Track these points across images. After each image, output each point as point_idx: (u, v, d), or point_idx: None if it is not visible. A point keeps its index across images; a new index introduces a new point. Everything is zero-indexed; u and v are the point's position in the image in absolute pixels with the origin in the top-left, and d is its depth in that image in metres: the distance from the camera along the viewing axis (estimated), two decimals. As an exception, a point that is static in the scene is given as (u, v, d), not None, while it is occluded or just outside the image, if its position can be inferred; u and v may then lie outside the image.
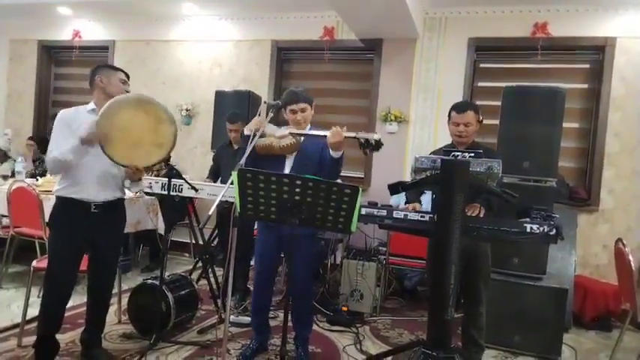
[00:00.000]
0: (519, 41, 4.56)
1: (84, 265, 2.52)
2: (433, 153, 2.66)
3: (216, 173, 4.16)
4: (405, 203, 2.59)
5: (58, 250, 2.41)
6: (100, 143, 2.25)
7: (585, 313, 3.85)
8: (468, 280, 2.65)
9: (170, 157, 2.52)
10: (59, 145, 2.32)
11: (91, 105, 2.47)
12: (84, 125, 2.35)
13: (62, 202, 2.42)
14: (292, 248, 2.26)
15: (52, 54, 6.65)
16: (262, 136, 2.54)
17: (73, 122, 2.38)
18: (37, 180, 4.28)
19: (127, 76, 2.56)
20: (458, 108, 2.72)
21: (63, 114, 2.43)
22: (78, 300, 3.25)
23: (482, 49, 4.74)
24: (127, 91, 2.51)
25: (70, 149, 2.28)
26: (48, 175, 4.20)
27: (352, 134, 2.37)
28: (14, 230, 3.73)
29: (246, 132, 2.56)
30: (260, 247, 2.78)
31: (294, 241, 2.12)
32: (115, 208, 2.54)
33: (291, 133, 2.58)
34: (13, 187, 3.68)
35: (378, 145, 2.30)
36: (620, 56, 4.31)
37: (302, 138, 2.60)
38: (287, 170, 2.61)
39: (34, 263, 2.81)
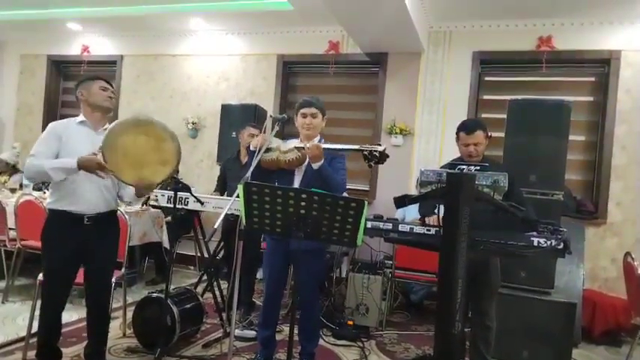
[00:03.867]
0: (524, 54, 4.58)
1: (80, 278, 2.51)
2: (443, 167, 2.63)
3: (224, 185, 4.16)
4: (421, 218, 2.45)
5: (51, 264, 2.40)
6: (111, 170, 2.26)
7: (594, 328, 3.79)
8: (478, 293, 2.62)
9: (178, 171, 2.53)
10: (41, 154, 2.32)
11: (81, 117, 2.47)
12: (74, 137, 2.36)
13: (54, 215, 2.40)
14: (300, 262, 2.25)
15: (61, 69, 6.76)
16: (268, 150, 2.54)
17: (63, 134, 2.38)
18: (45, 193, 4.31)
19: (109, 83, 2.53)
20: (466, 129, 2.65)
21: (55, 125, 2.43)
22: (83, 313, 3.23)
23: (487, 62, 4.76)
24: (110, 97, 2.50)
25: (64, 170, 2.27)
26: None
27: (356, 147, 2.33)
28: (21, 243, 3.75)
29: (252, 148, 2.57)
30: (269, 261, 2.76)
31: (301, 255, 2.12)
32: (109, 220, 2.52)
33: (296, 147, 2.56)
34: (21, 200, 3.72)
35: (382, 156, 2.25)
36: (626, 69, 4.31)
37: (308, 152, 2.57)
38: (296, 184, 2.60)
39: (40, 276, 2.81)
